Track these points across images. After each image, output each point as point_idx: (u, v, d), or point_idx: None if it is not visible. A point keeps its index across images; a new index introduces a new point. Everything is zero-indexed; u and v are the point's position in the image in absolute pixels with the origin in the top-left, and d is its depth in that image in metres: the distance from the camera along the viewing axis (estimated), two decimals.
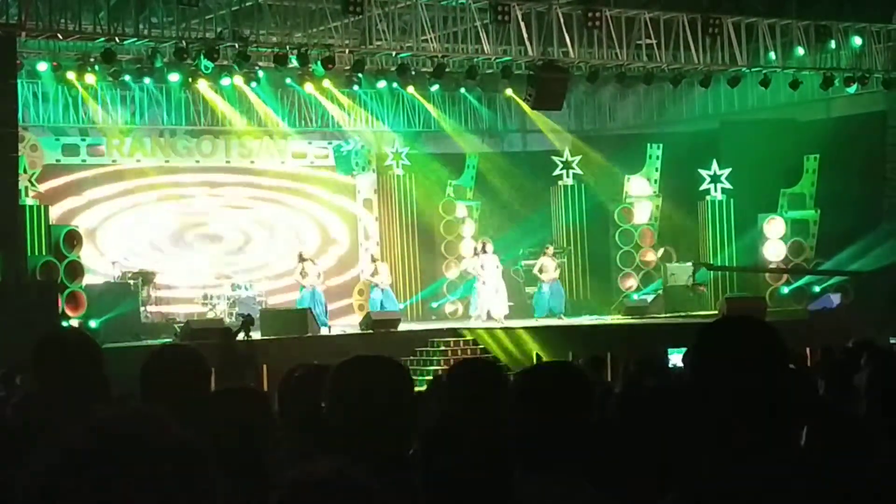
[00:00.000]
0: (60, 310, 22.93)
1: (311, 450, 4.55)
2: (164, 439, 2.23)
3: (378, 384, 4.03)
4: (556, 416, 3.81)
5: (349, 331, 26.66)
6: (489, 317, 27.41)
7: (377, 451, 3.79)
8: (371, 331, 25.36)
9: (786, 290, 29.71)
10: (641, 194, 31.58)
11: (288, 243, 30.51)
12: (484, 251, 27.92)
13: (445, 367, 23.97)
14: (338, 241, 31.59)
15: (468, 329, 26.32)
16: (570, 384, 3.94)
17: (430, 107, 31.86)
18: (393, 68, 26.63)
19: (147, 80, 27.50)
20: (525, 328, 25.60)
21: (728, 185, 30.30)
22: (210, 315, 27.17)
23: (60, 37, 22.99)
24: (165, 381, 4.81)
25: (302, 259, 27.39)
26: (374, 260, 29.19)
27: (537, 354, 23.15)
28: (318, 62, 24.69)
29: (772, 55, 27.22)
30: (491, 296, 27.69)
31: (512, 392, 4.14)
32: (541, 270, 28.52)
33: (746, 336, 3.15)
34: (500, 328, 26.05)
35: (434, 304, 31.07)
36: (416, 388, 4.47)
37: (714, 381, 3.07)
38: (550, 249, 29.14)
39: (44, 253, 24.11)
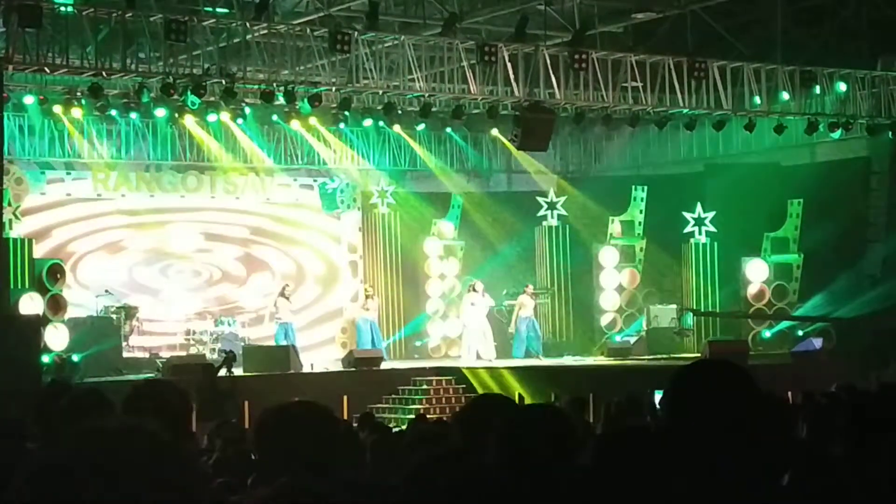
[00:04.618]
0: (42, 344, 22.83)
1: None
2: (156, 451, 2.23)
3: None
4: (538, 455, 3.81)
5: (331, 368, 26.63)
6: (478, 357, 27.44)
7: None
8: (353, 368, 25.33)
9: (768, 333, 29.74)
10: (625, 236, 31.63)
11: (271, 279, 30.49)
12: (475, 291, 27.99)
13: (428, 405, 23.98)
14: (321, 277, 31.55)
15: (451, 368, 26.29)
16: (552, 426, 3.96)
17: (415, 146, 31.90)
18: (379, 107, 26.71)
19: (133, 115, 27.56)
20: (508, 368, 25.56)
21: (712, 228, 30.36)
22: (193, 350, 27.11)
23: (48, 70, 22.96)
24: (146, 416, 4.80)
25: (280, 294, 27.63)
26: (367, 296, 29.14)
27: (520, 395, 23.10)
28: (305, 100, 24.76)
29: (757, 99, 27.31)
30: (480, 337, 27.74)
31: (495, 432, 4.15)
32: (520, 307, 28.62)
33: (720, 378, 3.16)
34: (483, 368, 26.02)
35: (418, 343, 31.06)
36: (398, 427, 4.51)
37: (688, 421, 3.09)
38: (530, 288, 29.18)
39: (27, 286, 24.03)
